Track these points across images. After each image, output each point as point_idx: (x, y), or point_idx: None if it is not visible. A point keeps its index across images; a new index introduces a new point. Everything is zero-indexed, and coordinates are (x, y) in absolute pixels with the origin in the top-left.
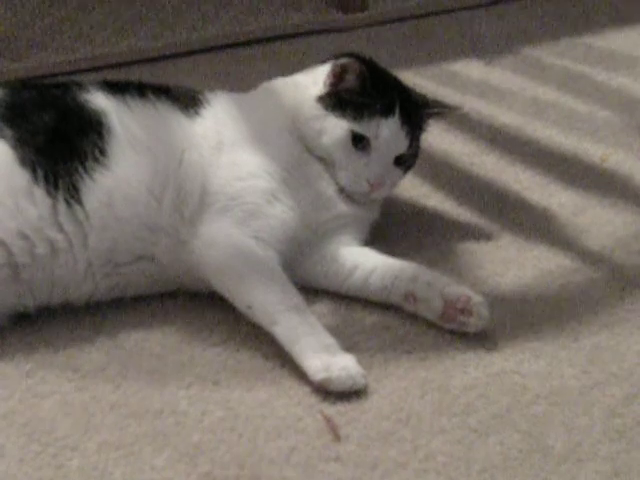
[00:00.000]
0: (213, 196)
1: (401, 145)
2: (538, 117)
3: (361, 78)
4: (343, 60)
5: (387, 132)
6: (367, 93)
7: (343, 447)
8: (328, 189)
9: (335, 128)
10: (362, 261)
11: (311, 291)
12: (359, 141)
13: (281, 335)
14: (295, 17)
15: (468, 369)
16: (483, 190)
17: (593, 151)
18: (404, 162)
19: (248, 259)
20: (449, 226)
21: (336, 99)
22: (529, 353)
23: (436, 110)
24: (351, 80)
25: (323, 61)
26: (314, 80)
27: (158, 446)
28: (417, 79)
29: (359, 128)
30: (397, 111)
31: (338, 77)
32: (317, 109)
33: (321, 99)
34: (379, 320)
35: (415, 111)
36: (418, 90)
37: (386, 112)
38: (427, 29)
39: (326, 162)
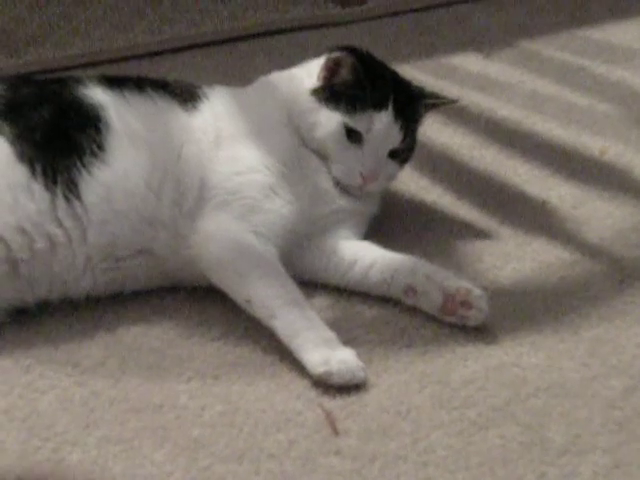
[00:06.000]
0: (212, 190)
1: (395, 138)
2: (537, 110)
3: (354, 72)
4: (337, 54)
5: (380, 125)
6: (360, 86)
7: (343, 441)
8: (326, 183)
9: (328, 121)
10: (361, 255)
11: (310, 285)
12: (352, 134)
13: (280, 329)
14: (293, 11)
15: (468, 362)
16: (482, 183)
17: (592, 144)
18: (399, 155)
19: (247, 254)
20: (448, 219)
21: (330, 92)
22: (528, 346)
23: (433, 102)
24: (344, 74)
25: (319, 54)
26: (309, 73)
27: (158, 441)
28: (415, 73)
29: (351, 121)
30: (390, 104)
31: (332, 71)
32: (311, 102)
33: (315, 92)
34: (378, 314)
35: (411, 104)
36: (416, 83)
37: (379, 105)
38: (425, 22)
39: (322, 155)
